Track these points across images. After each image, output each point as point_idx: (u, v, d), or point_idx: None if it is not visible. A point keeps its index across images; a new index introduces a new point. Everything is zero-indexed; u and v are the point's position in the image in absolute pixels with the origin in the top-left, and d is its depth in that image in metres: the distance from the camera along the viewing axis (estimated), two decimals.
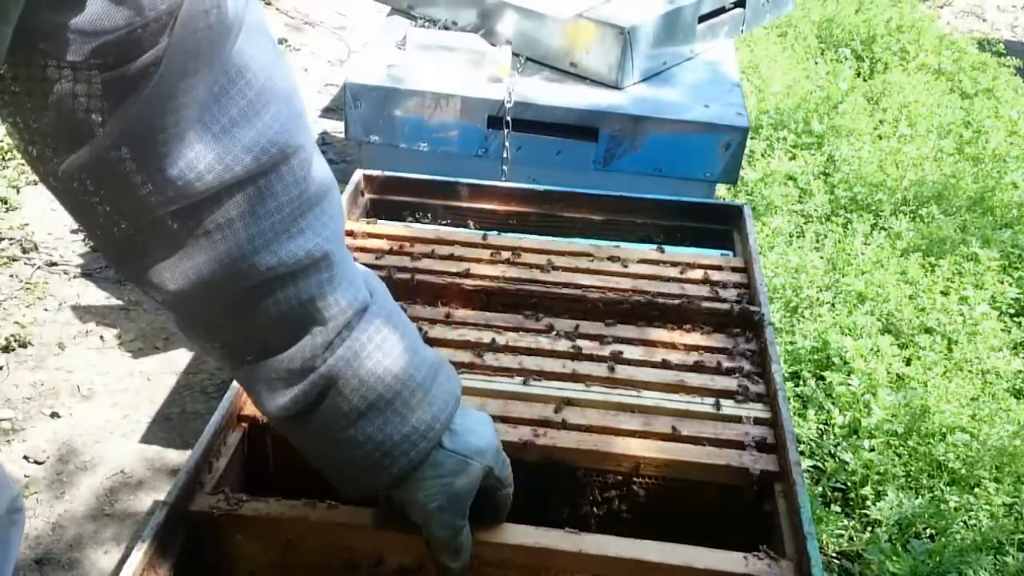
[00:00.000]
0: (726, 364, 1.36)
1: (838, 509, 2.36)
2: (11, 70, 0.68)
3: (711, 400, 1.28)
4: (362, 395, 0.88)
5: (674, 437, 1.23)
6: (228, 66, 0.76)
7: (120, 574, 0.96)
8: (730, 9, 2.69)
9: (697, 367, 1.36)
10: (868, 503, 2.34)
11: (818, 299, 3.04)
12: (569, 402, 1.27)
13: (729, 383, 1.33)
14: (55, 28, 0.66)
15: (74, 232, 3.36)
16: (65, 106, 0.70)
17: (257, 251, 0.81)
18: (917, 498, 2.33)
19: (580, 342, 1.39)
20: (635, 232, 1.79)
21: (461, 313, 1.46)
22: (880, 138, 4.19)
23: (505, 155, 2.32)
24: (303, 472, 1.22)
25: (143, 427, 2.62)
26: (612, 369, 1.34)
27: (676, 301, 1.48)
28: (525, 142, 2.34)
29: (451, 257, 1.58)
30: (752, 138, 4.03)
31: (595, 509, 1.22)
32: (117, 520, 2.35)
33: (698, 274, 1.57)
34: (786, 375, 2.69)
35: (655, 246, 1.68)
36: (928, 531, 2.29)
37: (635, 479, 1.20)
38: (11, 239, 3.31)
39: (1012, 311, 3.11)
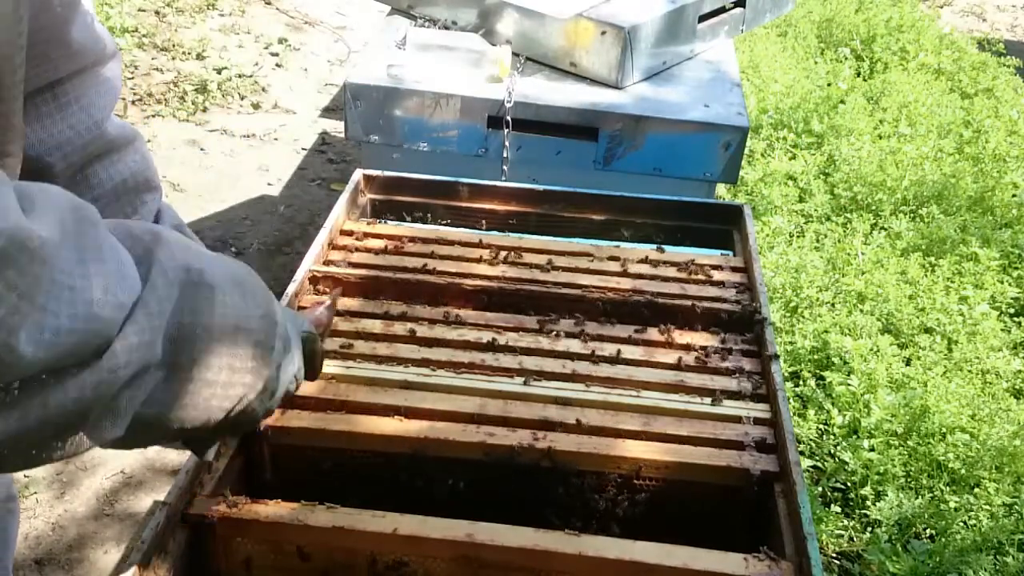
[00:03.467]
0: (726, 364, 1.36)
1: (838, 509, 2.36)
2: None
3: (711, 400, 1.28)
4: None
5: (674, 438, 1.22)
6: None
7: (120, 575, 0.95)
8: (730, 9, 2.69)
9: (697, 367, 1.35)
10: (868, 503, 2.34)
11: (818, 299, 3.04)
12: (569, 402, 1.27)
13: (729, 383, 1.32)
14: None
15: None
16: None
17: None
18: (917, 498, 2.32)
19: (580, 342, 1.39)
20: (635, 232, 1.79)
21: (461, 313, 1.46)
22: (880, 138, 4.19)
23: (505, 155, 2.32)
24: (301, 476, 1.22)
25: None
26: (612, 368, 1.34)
27: (676, 301, 1.47)
28: (525, 142, 2.34)
29: (451, 257, 1.58)
30: (752, 138, 4.03)
31: (595, 511, 1.22)
32: (117, 520, 2.35)
33: (698, 274, 1.57)
34: (786, 375, 2.69)
35: (655, 246, 1.67)
36: (928, 531, 2.29)
37: (635, 480, 1.20)
38: None
39: (1012, 311, 3.11)
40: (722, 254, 1.68)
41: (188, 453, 1.05)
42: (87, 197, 0.96)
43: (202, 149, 4.17)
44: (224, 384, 0.78)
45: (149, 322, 0.69)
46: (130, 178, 1.00)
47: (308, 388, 1.28)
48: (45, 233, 0.61)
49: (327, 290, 1.53)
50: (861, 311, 2.99)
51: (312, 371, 1.00)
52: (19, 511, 1.08)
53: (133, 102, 4.43)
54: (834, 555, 2.26)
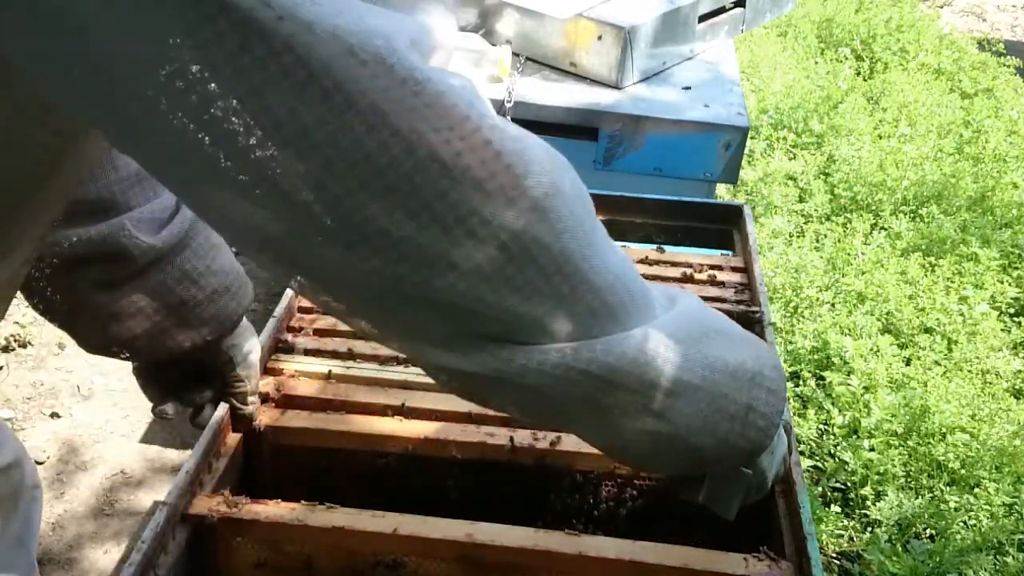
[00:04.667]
0: None
1: (838, 509, 2.36)
2: None
3: None
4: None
5: None
6: None
7: (120, 574, 0.96)
8: (730, 9, 2.69)
9: None
10: (868, 503, 2.34)
11: (818, 299, 3.04)
12: None
13: None
14: None
15: None
16: None
17: None
18: (917, 498, 2.32)
19: None
20: (635, 232, 1.79)
21: None
22: (880, 138, 4.19)
23: None
24: (301, 476, 1.22)
25: (143, 427, 2.62)
26: None
27: None
28: None
29: None
30: (752, 138, 4.03)
31: (595, 510, 1.22)
32: (117, 520, 2.35)
33: (698, 274, 1.57)
34: (786, 375, 2.69)
35: (655, 246, 1.67)
36: (928, 531, 2.29)
37: (635, 481, 1.20)
38: None
39: (1012, 311, 3.11)
40: (722, 254, 1.68)
41: (188, 452, 1.06)
42: (110, 179, 0.98)
43: None
44: (743, 421, 0.79)
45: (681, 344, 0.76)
46: None
47: (308, 388, 1.28)
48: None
49: None
50: (861, 311, 2.99)
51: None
52: (42, 499, 1.10)
53: None
54: (834, 555, 2.26)
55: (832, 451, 2.50)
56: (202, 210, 0.68)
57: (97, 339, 1.07)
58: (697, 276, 1.57)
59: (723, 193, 3.51)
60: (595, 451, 1.18)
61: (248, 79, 0.55)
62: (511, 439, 1.20)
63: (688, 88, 2.46)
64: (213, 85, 0.55)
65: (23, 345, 2.85)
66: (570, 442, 1.20)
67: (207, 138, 0.57)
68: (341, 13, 0.56)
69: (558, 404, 0.74)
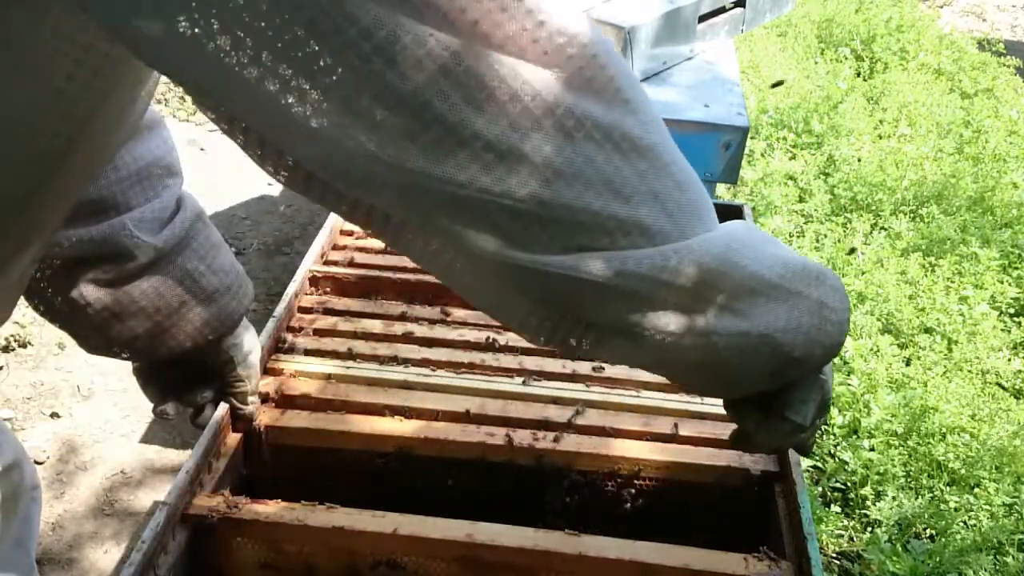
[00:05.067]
0: None
1: (838, 509, 2.36)
2: None
3: (711, 400, 1.28)
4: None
5: (673, 438, 1.22)
6: None
7: (120, 574, 0.96)
8: (730, 9, 2.69)
9: None
10: (868, 503, 2.34)
11: None
12: (568, 402, 1.27)
13: None
14: None
15: None
16: None
17: None
18: (917, 498, 2.32)
19: None
20: None
21: (461, 313, 1.46)
22: (880, 138, 4.19)
23: None
24: (301, 476, 1.22)
25: (143, 427, 2.62)
26: (612, 368, 1.34)
27: None
28: None
29: None
30: (752, 138, 4.03)
31: (595, 510, 1.22)
32: (117, 520, 2.35)
33: None
34: None
35: None
36: (928, 531, 2.29)
37: (635, 481, 1.20)
38: None
39: (1012, 311, 3.11)
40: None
41: (188, 452, 1.06)
42: (111, 179, 0.98)
43: (202, 149, 4.17)
44: (820, 318, 0.78)
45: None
46: (153, 162, 1.02)
47: (308, 388, 1.28)
48: None
49: (327, 290, 1.53)
50: (861, 311, 2.99)
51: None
52: (41, 500, 1.10)
53: None
54: (834, 555, 2.26)
55: (832, 451, 2.50)
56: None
57: (98, 339, 1.06)
58: None
59: (723, 193, 3.51)
60: (595, 451, 1.19)
61: None
62: (509, 439, 1.20)
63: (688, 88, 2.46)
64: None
65: (23, 345, 2.85)
66: (570, 442, 1.20)
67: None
68: None
69: (655, 309, 0.70)
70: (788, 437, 0.86)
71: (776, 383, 0.81)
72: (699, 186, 0.72)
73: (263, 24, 0.55)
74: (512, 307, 0.70)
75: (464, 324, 1.44)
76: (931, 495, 2.36)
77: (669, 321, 0.71)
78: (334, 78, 0.57)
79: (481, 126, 0.60)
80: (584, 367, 1.34)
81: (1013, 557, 2.15)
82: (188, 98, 4.36)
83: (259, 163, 0.65)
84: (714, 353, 0.74)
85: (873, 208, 3.62)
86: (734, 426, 1.24)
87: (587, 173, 0.63)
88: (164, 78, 0.66)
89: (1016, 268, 3.29)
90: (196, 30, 0.55)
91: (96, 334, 1.06)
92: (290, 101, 0.58)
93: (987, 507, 2.27)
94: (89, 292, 1.01)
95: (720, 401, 1.28)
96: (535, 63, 0.60)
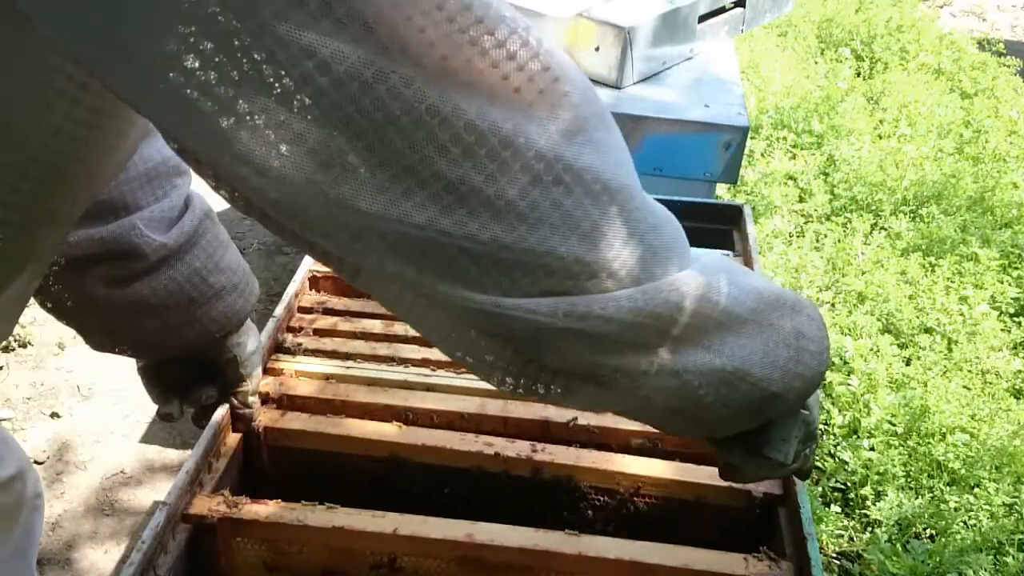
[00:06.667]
0: None
1: (838, 509, 2.35)
2: None
3: None
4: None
5: (673, 444, 1.22)
6: None
7: (120, 574, 0.96)
8: (730, 9, 2.69)
9: None
10: (868, 503, 2.34)
11: (818, 299, 3.04)
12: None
13: None
14: None
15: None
16: None
17: None
18: (917, 498, 2.32)
19: None
20: None
21: None
22: (880, 138, 4.19)
23: None
24: (301, 476, 1.22)
25: (143, 427, 2.62)
26: None
27: None
28: None
29: None
30: (752, 138, 4.03)
31: (593, 521, 1.21)
32: (116, 520, 2.35)
33: None
34: None
35: None
36: (928, 531, 2.29)
37: (635, 498, 1.19)
38: None
39: (1012, 311, 3.11)
40: (722, 254, 1.68)
41: (188, 452, 1.06)
42: (120, 179, 0.98)
43: None
44: (796, 349, 0.76)
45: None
46: (161, 163, 1.02)
47: (308, 388, 1.28)
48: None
49: (327, 290, 1.53)
50: (861, 311, 2.99)
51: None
52: (44, 508, 1.10)
53: None
54: (834, 555, 2.26)
55: (832, 451, 2.50)
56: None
57: (106, 337, 1.07)
58: None
59: (723, 193, 3.51)
60: (595, 467, 1.18)
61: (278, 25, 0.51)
62: (509, 449, 1.20)
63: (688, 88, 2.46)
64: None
65: (23, 345, 2.85)
66: (569, 456, 1.19)
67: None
68: None
69: (623, 353, 0.67)
70: (774, 471, 0.85)
71: (759, 420, 0.79)
72: (672, 225, 0.70)
73: (223, 57, 0.53)
74: (477, 353, 0.67)
75: None
76: (931, 495, 2.36)
77: (639, 363, 0.68)
78: (287, 116, 0.54)
79: (442, 167, 0.57)
80: None
81: (1013, 557, 2.15)
82: None
83: (215, 191, 0.62)
84: (689, 393, 0.71)
85: (873, 208, 3.62)
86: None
87: (553, 217, 0.61)
88: None
89: (1016, 268, 3.29)
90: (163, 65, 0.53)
91: (104, 332, 1.06)
92: (242, 136, 0.55)
93: (987, 507, 2.27)
94: (98, 290, 1.01)
95: None
96: (504, 102, 0.58)
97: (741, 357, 0.72)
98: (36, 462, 2.49)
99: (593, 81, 2.42)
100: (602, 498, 1.19)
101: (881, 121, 4.36)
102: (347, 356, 1.35)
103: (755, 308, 0.73)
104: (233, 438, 1.20)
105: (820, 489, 2.41)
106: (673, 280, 0.68)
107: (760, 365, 0.73)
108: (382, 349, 1.37)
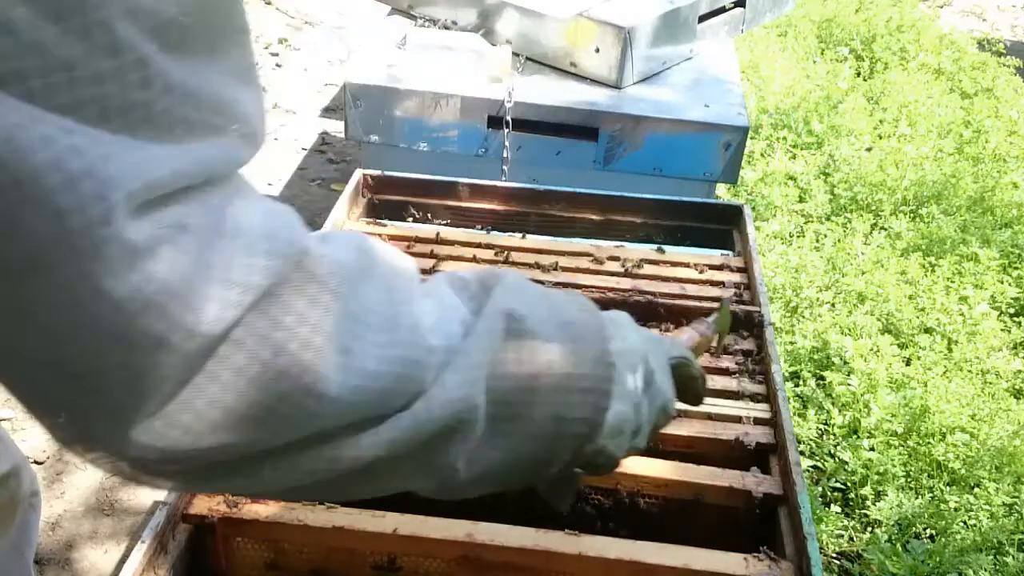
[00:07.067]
0: (726, 364, 1.36)
1: (838, 509, 2.36)
2: None
3: (710, 400, 1.28)
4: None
5: (673, 440, 1.22)
6: None
7: (119, 574, 0.96)
8: (730, 9, 2.69)
9: None
10: (868, 503, 2.34)
11: (818, 299, 3.04)
12: None
13: (729, 383, 1.32)
14: None
15: None
16: None
17: None
18: (917, 498, 2.32)
19: None
20: (635, 232, 1.79)
21: None
22: (880, 138, 4.19)
23: (505, 155, 2.32)
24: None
25: None
26: None
27: (676, 301, 1.47)
28: (525, 142, 2.34)
29: (451, 257, 1.58)
30: (752, 138, 4.03)
31: (593, 521, 1.21)
32: (116, 520, 2.35)
33: (698, 274, 1.57)
34: (786, 375, 2.69)
35: (655, 246, 1.67)
36: (928, 531, 2.29)
37: (636, 498, 1.19)
38: None
39: (1012, 311, 3.11)
40: (722, 254, 1.68)
41: None
42: None
43: None
44: (552, 437, 0.71)
45: (469, 373, 0.64)
46: None
47: None
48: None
49: None
50: (861, 311, 2.99)
51: (692, 397, 0.91)
52: (41, 506, 1.10)
53: None
54: (834, 555, 2.26)
55: (832, 451, 2.50)
56: None
57: None
58: (697, 276, 1.57)
59: (723, 193, 3.51)
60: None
61: None
62: None
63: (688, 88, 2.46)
64: None
65: None
66: None
67: None
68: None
69: (395, 475, 0.65)
70: (609, 470, 0.81)
71: (544, 479, 0.77)
72: (416, 349, 0.61)
73: None
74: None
75: None
76: (931, 495, 2.36)
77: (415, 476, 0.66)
78: None
79: None
80: None
81: (1013, 557, 2.15)
82: None
83: None
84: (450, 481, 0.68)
85: (873, 208, 3.62)
86: (734, 426, 1.24)
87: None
88: None
89: (1016, 268, 3.29)
90: None
91: None
92: None
93: (987, 507, 2.27)
94: None
95: (726, 410, 1.28)
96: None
97: (485, 466, 0.69)
98: (36, 462, 2.49)
99: (593, 81, 2.43)
100: (602, 498, 1.19)
101: (881, 121, 4.36)
102: None
103: (493, 415, 0.67)
104: None
105: (820, 489, 2.41)
106: (418, 408, 0.61)
107: (506, 467, 0.70)
108: None
